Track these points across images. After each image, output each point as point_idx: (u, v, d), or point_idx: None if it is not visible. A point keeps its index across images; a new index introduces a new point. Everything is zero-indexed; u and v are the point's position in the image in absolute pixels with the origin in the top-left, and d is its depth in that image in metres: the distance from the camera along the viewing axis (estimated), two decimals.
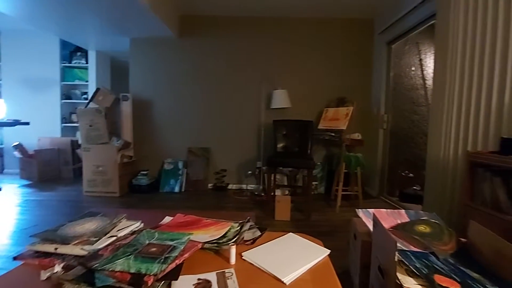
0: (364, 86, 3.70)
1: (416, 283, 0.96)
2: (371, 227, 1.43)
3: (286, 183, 3.55)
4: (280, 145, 3.23)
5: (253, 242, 1.02)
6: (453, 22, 2.00)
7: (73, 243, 0.90)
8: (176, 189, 3.53)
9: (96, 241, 0.92)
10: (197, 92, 3.72)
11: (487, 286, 0.94)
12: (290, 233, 1.11)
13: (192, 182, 3.62)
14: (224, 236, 1.04)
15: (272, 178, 3.20)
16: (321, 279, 0.82)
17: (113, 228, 1.04)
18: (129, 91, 3.71)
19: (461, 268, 1.06)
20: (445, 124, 2.06)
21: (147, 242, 0.97)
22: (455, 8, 1.98)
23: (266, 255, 0.92)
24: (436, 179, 2.13)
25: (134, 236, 1.02)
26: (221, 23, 3.65)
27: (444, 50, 2.09)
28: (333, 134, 3.17)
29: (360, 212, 1.57)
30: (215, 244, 0.98)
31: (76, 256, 0.85)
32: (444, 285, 0.93)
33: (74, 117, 4.52)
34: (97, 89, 3.36)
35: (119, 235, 0.99)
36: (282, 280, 0.78)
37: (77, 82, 4.56)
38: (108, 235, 0.98)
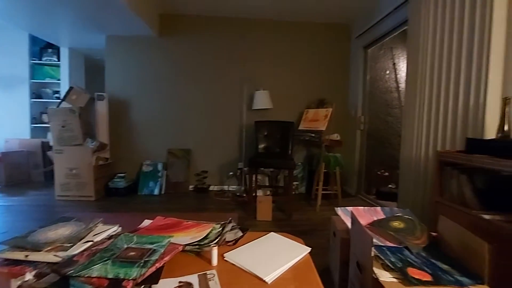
0: (343, 88, 3.82)
1: (391, 276, 1.00)
2: (349, 225, 1.48)
3: (267, 184, 3.58)
4: (261, 146, 3.26)
5: (235, 243, 1.03)
6: (423, 28, 2.12)
7: (45, 249, 0.85)
8: (156, 192, 3.44)
9: (71, 247, 0.88)
10: (178, 92, 3.65)
11: (455, 276, 1.00)
12: (272, 232, 1.12)
13: (172, 184, 3.55)
14: (205, 237, 1.04)
15: (254, 178, 3.22)
16: (302, 277, 0.83)
17: (89, 233, 1.00)
18: (104, 90, 3.57)
19: (432, 260, 1.13)
20: (417, 125, 2.17)
21: (126, 246, 0.94)
22: (425, 15, 2.10)
23: (248, 255, 0.92)
24: (409, 177, 2.25)
25: (111, 240, 0.98)
26: (203, 23, 3.61)
27: (415, 55, 2.21)
28: (313, 134, 3.24)
29: (339, 211, 1.62)
30: (197, 246, 0.97)
31: (49, 263, 0.81)
32: (416, 277, 0.98)
33: (45, 117, 4.27)
34: (70, 88, 3.20)
35: (95, 240, 0.96)
36: (264, 279, 0.79)
37: (48, 80, 4.31)
38: (84, 240, 0.94)
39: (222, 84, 3.68)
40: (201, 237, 1.05)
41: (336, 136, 3.39)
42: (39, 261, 0.82)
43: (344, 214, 1.60)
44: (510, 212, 1.28)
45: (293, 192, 3.63)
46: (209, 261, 0.91)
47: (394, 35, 2.93)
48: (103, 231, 1.03)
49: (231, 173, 3.71)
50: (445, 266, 1.08)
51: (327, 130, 3.08)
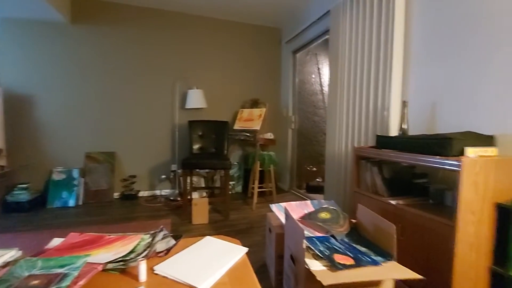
0: (275, 89, 3.99)
1: (321, 264, 1.08)
2: (283, 220, 1.54)
3: (203, 185, 3.48)
4: (196, 146, 3.14)
5: (167, 253, 0.94)
6: (342, 38, 2.37)
7: None
8: (71, 203, 2.96)
9: None
10: (99, 89, 3.21)
11: (371, 257, 1.14)
12: (207, 236, 1.08)
13: (93, 193, 3.11)
14: (132, 251, 0.92)
15: (189, 181, 3.08)
16: (239, 280, 0.82)
17: None
18: None
19: (353, 245, 1.27)
20: (338, 124, 2.43)
21: (27, 274, 0.77)
22: (343, 27, 2.36)
23: (181, 264, 0.86)
24: (333, 171, 2.49)
25: (7, 268, 0.79)
26: (129, 12, 3.26)
27: (335, 61, 2.46)
28: (248, 134, 3.30)
29: (274, 207, 1.68)
30: (121, 263, 0.86)
31: None
32: (341, 262, 1.08)
33: None
34: None
35: None
36: (198, 287, 0.74)
37: None
38: None
39: (152, 82, 3.40)
40: (127, 252, 0.93)
41: (269, 135, 3.53)
42: None
43: (278, 210, 1.66)
44: (410, 197, 1.54)
45: (230, 192, 3.63)
46: (136, 277, 0.81)
47: (318, 42, 3.21)
48: None
49: (163, 176, 3.47)
50: (363, 249, 1.22)
51: (261, 129, 3.18)
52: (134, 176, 3.34)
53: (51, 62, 3.05)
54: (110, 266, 0.85)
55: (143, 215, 2.71)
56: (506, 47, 1.31)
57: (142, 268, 0.79)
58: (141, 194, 3.39)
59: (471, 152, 1.20)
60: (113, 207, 2.94)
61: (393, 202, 1.47)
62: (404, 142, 1.45)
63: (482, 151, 1.22)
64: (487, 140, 1.28)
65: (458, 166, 1.12)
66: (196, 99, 3.36)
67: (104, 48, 3.21)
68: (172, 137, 3.51)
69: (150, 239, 1.00)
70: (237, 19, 3.66)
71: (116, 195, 3.28)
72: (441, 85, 1.63)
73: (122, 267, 0.85)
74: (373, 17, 2.01)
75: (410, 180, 1.64)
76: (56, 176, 3.02)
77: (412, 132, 1.81)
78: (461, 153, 1.21)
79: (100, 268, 0.84)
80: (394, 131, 1.86)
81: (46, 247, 1.01)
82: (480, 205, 1.15)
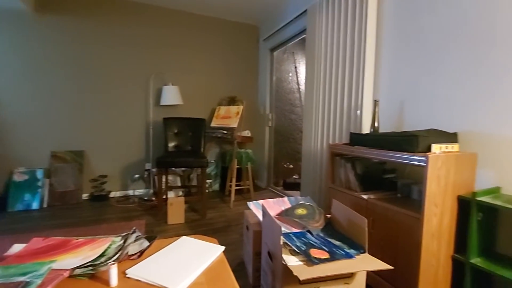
0: (252, 87, 3.99)
1: (297, 259, 1.10)
2: (261, 217, 1.55)
3: (179, 184, 3.40)
4: (171, 144, 3.06)
5: (141, 255, 0.91)
6: (318, 38, 2.42)
7: None
8: (35, 206, 2.76)
9: None
10: (66, 83, 3.00)
11: (345, 250, 1.18)
12: (183, 236, 1.05)
13: (59, 194, 2.92)
14: (102, 255, 0.88)
15: (164, 180, 3.00)
16: (216, 279, 0.81)
17: None
18: None
19: (328, 239, 1.30)
20: (314, 122, 2.48)
21: None
22: (319, 27, 2.41)
23: (156, 267, 0.83)
24: (309, 168, 2.55)
25: None
26: (99, 2, 3.07)
27: (312, 60, 2.51)
28: (225, 131, 3.27)
29: (251, 205, 1.68)
30: (90, 267, 0.81)
31: None
32: (317, 256, 1.11)
33: None
34: None
35: None
36: None
37: None
38: None
39: (124, 76, 3.24)
40: (96, 256, 0.88)
41: (247, 133, 3.53)
42: None
43: (255, 207, 1.67)
44: (381, 191, 1.62)
45: (207, 191, 3.58)
46: (107, 282, 0.77)
47: (296, 41, 3.25)
48: None
49: (137, 175, 3.34)
50: (337, 242, 1.26)
51: (238, 127, 3.16)
52: (104, 176, 3.18)
53: (12, 54, 2.80)
54: (78, 271, 0.80)
55: (115, 216, 2.59)
56: (468, 54, 1.42)
57: (113, 272, 0.76)
58: (112, 194, 3.24)
59: (436, 148, 1.28)
60: (81, 209, 2.78)
61: (365, 196, 1.53)
62: (375, 139, 1.51)
63: (446, 147, 1.31)
64: (450, 137, 1.37)
65: (424, 161, 1.19)
66: (171, 95, 3.26)
67: (71, 39, 3.00)
68: (146, 135, 3.39)
69: (122, 241, 0.96)
70: (215, 14, 3.60)
71: (85, 196, 3.11)
72: (409, 86, 1.72)
73: (91, 272, 0.81)
74: (348, 18, 2.07)
75: (380, 176, 1.72)
76: (18, 177, 2.79)
77: (382, 129, 1.90)
78: (427, 149, 1.28)
79: (66, 274, 0.78)
80: (366, 129, 1.94)
81: (6, 254, 0.93)
82: (442, 197, 1.23)
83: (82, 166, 3.07)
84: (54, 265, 0.82)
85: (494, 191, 1.26)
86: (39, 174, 2.86)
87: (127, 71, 3.25)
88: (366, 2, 1.88)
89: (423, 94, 1.63)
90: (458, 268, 1.31)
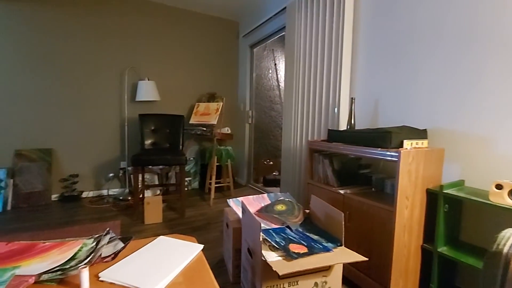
0: (232, 83, 3.95)
1: (276, 255, 1.11)
2: (241, 214, 1.55)
3: (157, 183, 3.31)
4: (148, 141, 2.96)
5: (115, 257, 0.87)
6: (297, 36, 2.44)
7: None
8: None
9: None
10: (32, 76, 2.79)
11: (323, 244, 1.21)
12: (161, 236, 1.02)
13: (25, 196, 2.73)
14: (72, 258, 0.83)
15: (140, 178, 2.90)
16: (195, 278, 0.79)
17: None
18: None
19: (306, 234, 1.33)
20: (294, 119, 2.51)
21: None
22: (298, 25, 2.42)
23: (131, 268, 0.80)
24: (289, 164, 2.58)
25: None
26: None
27: (291, 58, 2.53)
28: (204, 128, 3.22)
29: (231, 202, 1.67)
30: (58, 272, 0.76)
31: None
32: (296, 251, 1.13)
33: None
34: None
35: None
36: None
37: None
38: None
39: (96, 71, 3.07)
40: (66, 259, 0.83)
41: (227, 130, 3.50)
42: None
43: (235, 204, 1.66)
44: (356, 186, 1.67)
45: (186, 189, 3.52)
46: (78, 286, 0.73)
47: (275, 39, 3.25)
48: None
49: (111, 174, 3.20)
50: (315, 237, 1.29)
51: (218, 123, 3.13)
52: (76, 175, 3.02)
53: None
54: (45, 277, 0.75)
55: (88, 218, 2.47)
56: (436, 55, 1.50)
57: (84, 276, 0.72)
58: (85, 194, 3.08)
59: (407, 144, 1.34)
60: (50, 211, 2.62)
61: (341, 191, 1.58)
62: (351, 136, 1.56)
63: (417, 143, 1.38)
64: (420, 134, 1.44)
65: (397, 157, 1.25)
66: (147, 91, 3.15)
67: (38, 28, 2.79)
68: (121, 132, 3.25)
69: (94, 243, 0.91)
70: (194, 8, 3.51)
71: (54, 197, 2.93)
72: (383, 84, 1.79)
73: (60, 276, 0.76)
74: (326, 17, 2.10)
75: (356, 171, 1.78)
76: None
77: (359, 126, 1.97)
78: (399, 145, 1.34)
79: (32, 280, 0.73)
80: (343, 126, 1.99)
81: None
82: (413, 191, 1.30)
83: (51, 165, 2.88)
84: (18, 271, 0.77)
85: (459, 184, 1.35)
86: (1, 174, 2.65)
87: (100, 65, 3.09)
88: (343, 2, 1.92)
89: (396, 92, 1.71)
90: (427, 257, 1.39)
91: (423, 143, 1.41)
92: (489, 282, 0.71)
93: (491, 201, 1.10)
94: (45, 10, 2.81)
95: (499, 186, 1.09)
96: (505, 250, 0.70)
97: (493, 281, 0.70)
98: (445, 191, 1.24)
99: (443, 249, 1.28)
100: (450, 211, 1.32)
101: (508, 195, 1.06)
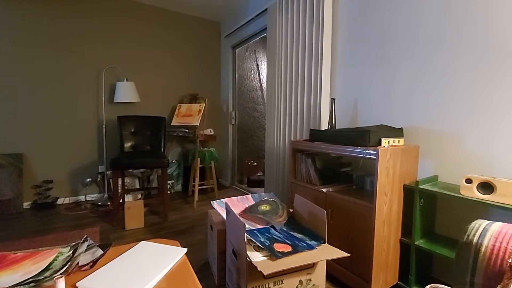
0: (214, 84, 3.92)
1: (261, 255, 1.11)
2: (225, 216, 1.54)
3: (138, 186, 3.21)
4: (128, 144, 2.87)
5: (93, 265, 0.84)
6: (278, 37, 2.46)
7: None
8: None
9: None
10: None
11: (307, 242, 1.23)
12: (142, 241, 0.99)
13: None
14: (46, 268, 0.79)
15: (120, 182, 2.80)
16: (179, 283, 0.78)
17: None
18: None
19: (291, 233, 1.34)
20: (276, 119, 2.53)
21: None
22: (279, 26, 2.45)
23: (111, 276, 0.77)
24: (272, 164, 2.60)
25: None
26: None
27: (273, 59, 2.55)
28: (187, 130, 3.17)
29: (215, 204, 1.65)
30: (32, 284, 0.72)
31: None
32: (280, 250, 1.14)
33: None
34: None
35: None
36: None
37: None
38: None
39: (71, 70, 2.94)
40: (40, 270, 0.79)
41: (210, 131, 3.47)
42: None
43: (219, 206, 1.65)
44: (338, 184, 1.71)
45: (169, 192, 3.44)
46: None
47: (257, 40, 3.26)
48: None
49: (89, 179, 3.07)
50: (299, 235, 1.31)
51: (201, 125, 3.09)
52: (50, 181, 2.87)
53: None
54: None
55: (64, 225, 2.36)
56: (411, 57, 1.57)
57: (60, 286, 0.68)
58: (60, 201, 2.94)
59: (385, 142, 1.39)
60: (22, 219, 2.47)
61: (324, 189, 1.61)
62: (332, 135, 1.59)
63: (394, 141, 1.43)
64: (397, 132, 1.50)
65: (375, 154, 1.29)
66: (126, 92, 3.05)
67: (6, 25, 2.62)
68: (98, 135, 3.13)
69: (71, 252, 0.87)
70: (174, 8, 3.45)
71: (26, 204, 2.77)
72: (361, 85, 1.85)
73: None
74: (306, 19, 2.14)
75: (338, 169, 1.82)
76: None
77: (339, 125, 2.02)
78: (377, 143, 1.39)
79: None
80: (325, 125, 2.03)
81: None
82: (391, 187, 1.35)
83: (22, 170, 2.72)
84: None
85: (433, 179, 1.41)
86: None
87: (75, 64, 2.96)
88: (323, 4, 1.96)
89: (374, 93, 1.77)
90: (405, 250, 1.45)
91: (399, 141, 1.47)
92: (461, 270, 0.75)
93: (462, 194, 1.16)
94: (15, 9, 2.65)
95: (468, 180, 1.15)
96: (475, 240, 0.74)
97: (465, 269, 0.75)
98: (420, 187, 1.30)
99: (420, 242, 1.34)
100: (425, 205, 1.38)
101: (477, 188, 1.13)
